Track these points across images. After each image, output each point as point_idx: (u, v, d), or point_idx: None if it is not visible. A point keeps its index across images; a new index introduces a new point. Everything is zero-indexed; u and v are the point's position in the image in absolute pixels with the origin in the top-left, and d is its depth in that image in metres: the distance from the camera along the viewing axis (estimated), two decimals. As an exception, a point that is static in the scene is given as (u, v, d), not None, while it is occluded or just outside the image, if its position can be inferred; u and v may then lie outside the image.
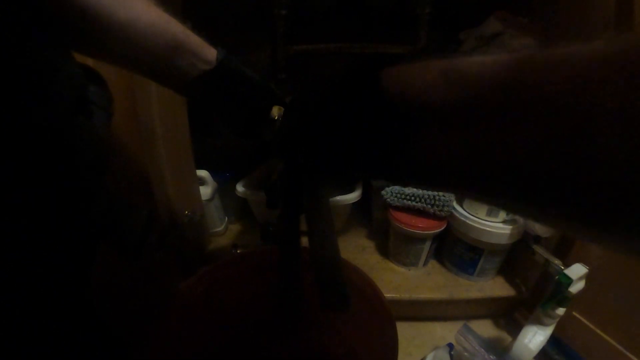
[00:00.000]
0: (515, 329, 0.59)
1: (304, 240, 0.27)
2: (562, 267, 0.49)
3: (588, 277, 0.47)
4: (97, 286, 0.33)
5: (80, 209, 0.30)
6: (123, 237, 0.33)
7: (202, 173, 0.68)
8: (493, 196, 0.16)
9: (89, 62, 0.35)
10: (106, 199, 0.32)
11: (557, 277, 0.48)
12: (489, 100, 0.14)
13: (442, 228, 0.61)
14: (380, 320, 0.42)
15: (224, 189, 0.72)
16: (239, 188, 0.69)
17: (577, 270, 0.47)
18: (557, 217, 0.14)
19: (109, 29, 0.27)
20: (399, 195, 0.62)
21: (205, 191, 0.68)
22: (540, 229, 0.53)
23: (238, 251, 0.65)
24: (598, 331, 0.51)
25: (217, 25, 0.35)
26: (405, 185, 0.55)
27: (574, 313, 0.53)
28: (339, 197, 0.66)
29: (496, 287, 0.62)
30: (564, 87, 0.12)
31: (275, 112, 0.34)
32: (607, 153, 0.11)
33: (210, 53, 0.32)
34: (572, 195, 0.12)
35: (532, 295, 0.59)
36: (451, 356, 0.52)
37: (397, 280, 0.62)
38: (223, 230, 0.75)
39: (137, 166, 0.50)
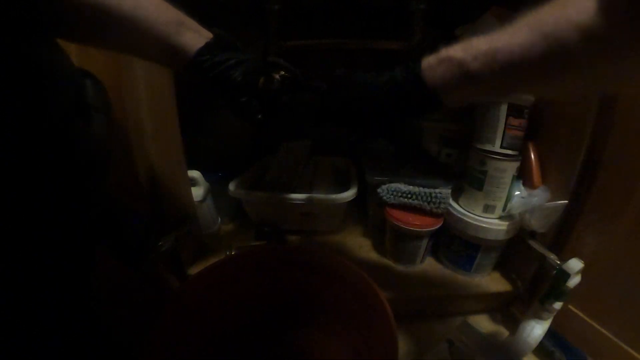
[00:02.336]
0: (511, 323, 0.60)
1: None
2: (558, 262, 0.50)
3: (583, 271, 0.48)
4: (96, 288, 0.32)
5: (78, 212, 0.29)
6: (124, 244, 0.32)
7: (194, 173, 0.66)
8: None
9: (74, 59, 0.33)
10: (104, 202, 0.31)
11: (554, 272, 0.48)
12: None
13: (439, 225, 0.61)
14: (380, 321, 0.41)
15: (216, 190, 0.71)
16: (232, 188, 0.67)
17: (574, 265, 0.47)
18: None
19: (118, 15, 0.29)
20: (395, 192, 0.62)
21: (197, 192, 0.66)
22: (535, 224, 0.53)
23: (233, 252, 0.63)
24: (594, 324, 0.51)
25: (209, 20, 0.36)
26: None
27: (570, 306, 0.54)
28: (334, 196, 0.66)
29: (493, 283, 0.62)
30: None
31: (262, 82, 0.35)
32: None
33: (207, 32, 0.35)
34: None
35: (528, 290, 0.60)
36: (450, 352, 0.52)
37: (394, 278, 0.62)
38: (216, 232, 0.73)
39: (127, 167, 0.48)
